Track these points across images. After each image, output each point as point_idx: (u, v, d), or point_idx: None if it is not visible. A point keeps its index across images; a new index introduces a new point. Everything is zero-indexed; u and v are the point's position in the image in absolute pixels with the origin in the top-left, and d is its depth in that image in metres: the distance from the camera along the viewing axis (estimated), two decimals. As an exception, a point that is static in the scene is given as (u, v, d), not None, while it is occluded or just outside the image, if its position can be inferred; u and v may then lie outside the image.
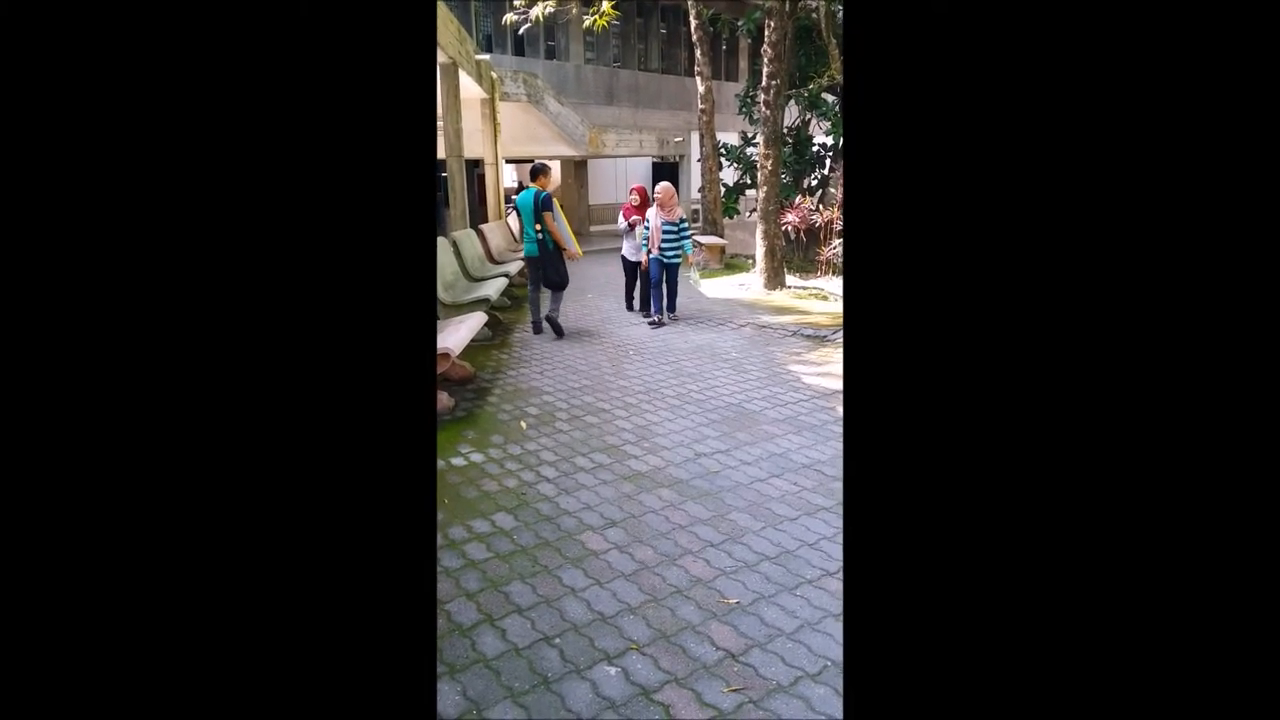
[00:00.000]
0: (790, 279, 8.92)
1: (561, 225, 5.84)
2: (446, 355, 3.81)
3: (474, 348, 5.56)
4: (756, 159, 13.79)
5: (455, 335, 4.13)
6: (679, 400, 4.17)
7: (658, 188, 6.22)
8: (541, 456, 3.34)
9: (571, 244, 5.88)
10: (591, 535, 2.58)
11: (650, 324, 6.35)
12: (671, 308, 6.59)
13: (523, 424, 3.80)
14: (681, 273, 6.73)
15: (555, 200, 6.06)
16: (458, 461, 3.29)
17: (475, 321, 4.59)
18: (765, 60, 8.34)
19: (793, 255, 10.30)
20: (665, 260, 6.25)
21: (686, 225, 6.32)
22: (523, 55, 16.71)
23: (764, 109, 8.46)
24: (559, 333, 6.00)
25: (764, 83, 8.41)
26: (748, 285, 8.84)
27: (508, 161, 17.32)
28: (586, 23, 10.50)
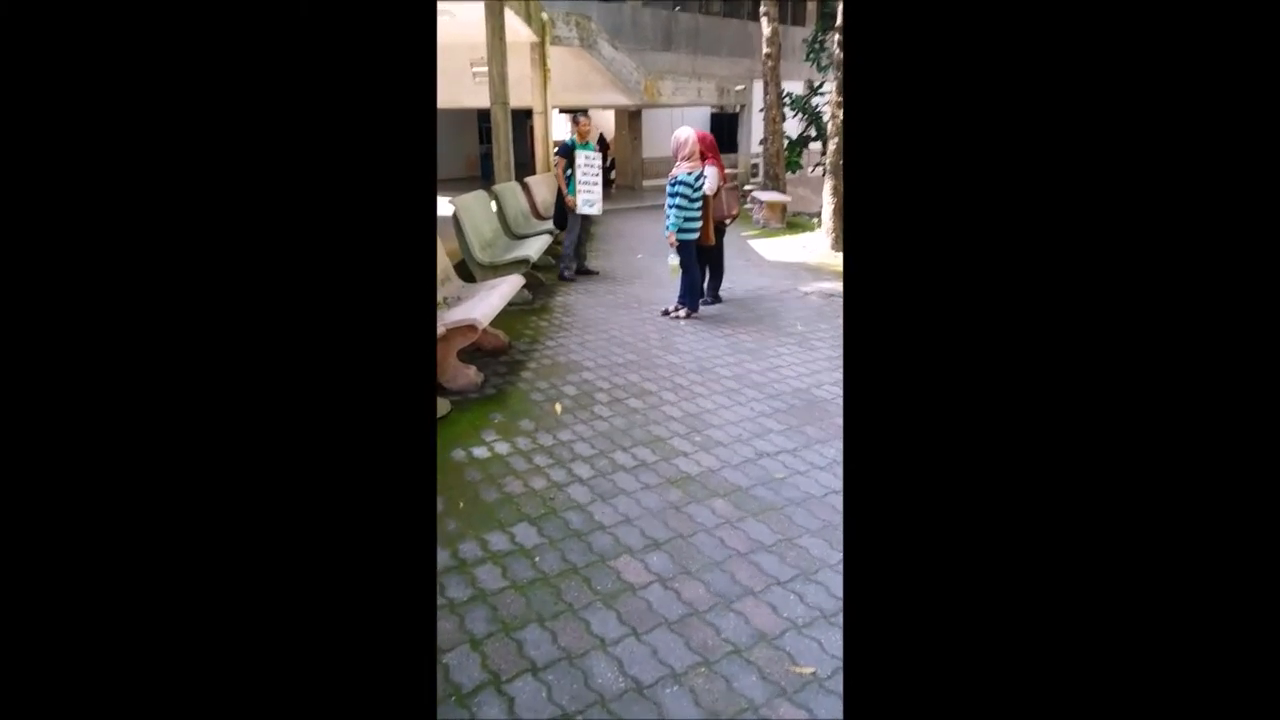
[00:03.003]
0: (858, 241, 8.18)
1: (575, 175, 6.08)
2: (473, 327, 3.36)
3: (511, 312, 5.12)
4: (823, 109, 12.90)
5: (485, 303, 3.67)
6: (736, 383, 3.65)
7: (678, 134, 4.73)
8: (575, 449, 2.88)
9: (570, 193, 6.12)
10: (629, 561, 2.11)
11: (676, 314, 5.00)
12: (699, 294, 5.05)
13: (557, 407, 3.35)
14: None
15: (579, 148, 6.09)
16: (480, 452, 2.86)
17: (509, 287, 4.12)
18: (841, -5, 7.48)
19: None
20: (681, 233, 4.70)
21: (698, 182, 4.71)
22: (576, -3, 15.87)
23: (838, 51, 7.64)
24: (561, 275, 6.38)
25: (838, 22, 7.57)
26: (811, 247, 8.15)
27: (560, 111, 16.70)
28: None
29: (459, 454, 2.85)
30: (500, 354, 4.19)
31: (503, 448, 2.90)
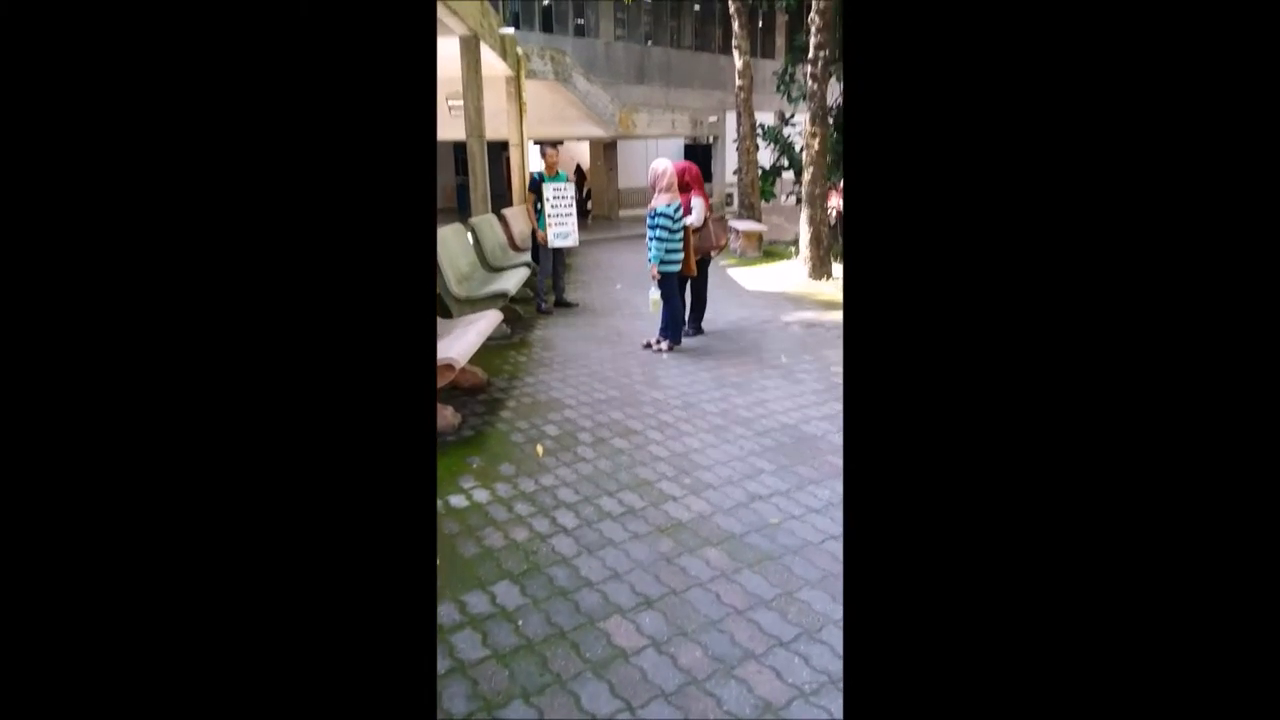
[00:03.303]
0: (836, 268, 8.19)
1: (546, 209, 6.03)
2: (450, 367, 3.22)
3: (489, 347, 4.98)
4: (795, 139, 13.06)
5: (462, 341, 3.53)
6: (723, 419, 3.53)
7: (655, 166, 4.57)
8: (559, 495, 2.74)
9: (541, 228, 6.06)
10: (620, 622, 1.96)
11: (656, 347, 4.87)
12: (680, 325, 4.91)
13: (539, 448, 3.20)
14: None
15: (546, 180, 6.03)
16: (457, 502, 2.70)
17: (487, 323, 3.99)
18: (812, 30, 7.57)
19: (835, 242, 9.54)
20: (663, 265, 4.59)
21: (678, 213, 4.57)
22: (551, 32, 16.02)
23: (810, 83, 7.71)
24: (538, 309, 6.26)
25: (810, 54, 7.65)
26: (790, 275, 8.14)
27: (535, 143, 16.72)
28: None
29: (435, 505, 2.69)
30: (479, 392, 4.04)
31: (482, 495, 2.75)
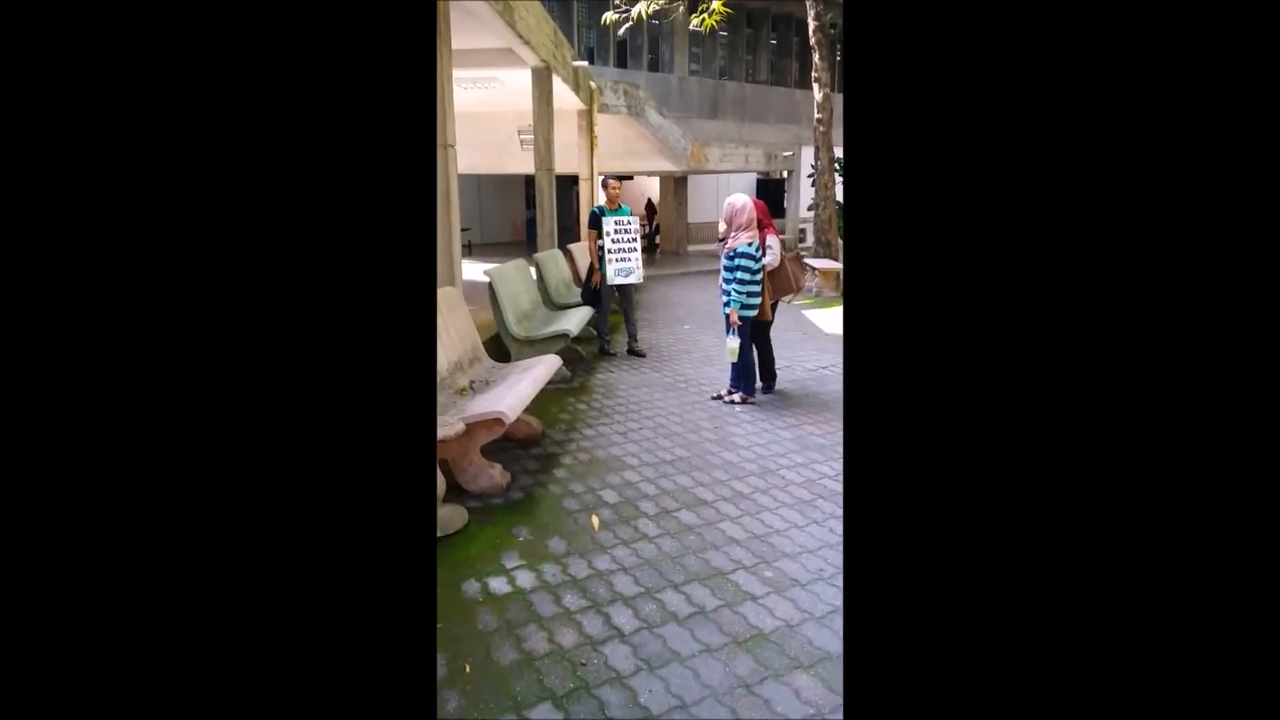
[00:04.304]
0: (923, 312, 7.59)
1: (606, 243, 5.68)
2: (499, 421, 2.88)
3: (548, 391, 4.64)
4: (875, 174, 12.51)
5: (515, 390, 3.20)
6: (808, 491, 3.06)
7: (732, 201, 4.20)
8: (615, 585, 2.32)
9: (600, 266, 5.70)
10: (687, 783, 1.52)
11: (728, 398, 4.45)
12: (753, 378, 4.47)
13: (594, 520, 2.81)
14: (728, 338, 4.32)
15: (608, 214, 5.69)
16: (498, 585, 2.32)
17: (545, 369, 3.66)
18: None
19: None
20: (742, 310, 4.19)
21: (759, 253, 4.17)
22: (625, 67, 16.06)
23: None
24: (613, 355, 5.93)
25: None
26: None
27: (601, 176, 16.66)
28: (694, 22, 9.59)
29: (472, 587, 2.31)
30: (533, 444, 3.69)
31: (526, 579, 2.36)
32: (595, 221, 5.72)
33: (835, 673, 1.87)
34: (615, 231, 5.68)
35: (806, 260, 9.80)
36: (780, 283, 4.35)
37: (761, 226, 4.31)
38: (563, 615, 2.15)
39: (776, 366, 4.69)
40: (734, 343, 4.22)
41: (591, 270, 5.77)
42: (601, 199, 5.91)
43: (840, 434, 3.78)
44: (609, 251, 5.68)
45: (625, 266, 5.72)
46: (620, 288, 5.84)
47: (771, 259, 4.29)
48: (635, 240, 5.79)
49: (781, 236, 4.68)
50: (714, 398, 4.48)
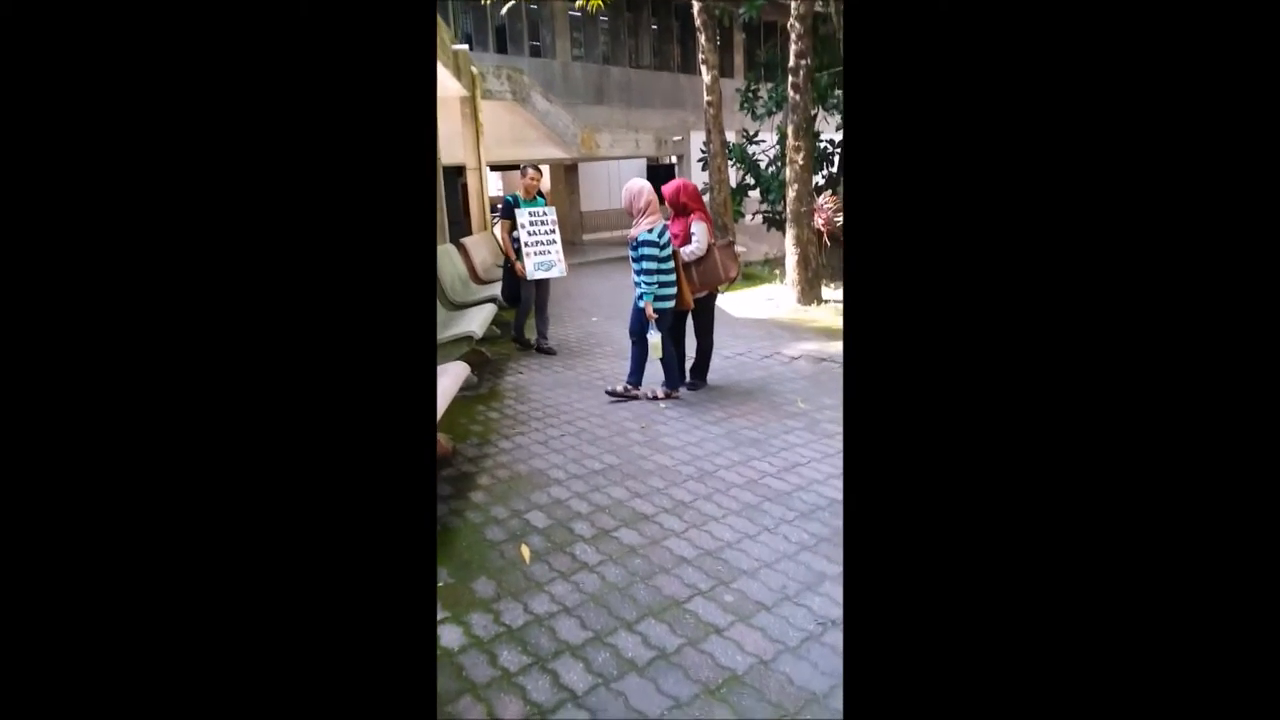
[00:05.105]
0: (826, 291, 7.64)
1: (523, 236, 5.33)
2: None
3: (455, 400, 4.22)
4: (760, 157, 12.64)
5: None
6: (752, 494, 2.85)
7: (630, 186, 3.91)
8: (559, 631, 2.00)
9: (520, 260, 5.35)
10: None
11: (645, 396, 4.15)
12: (682, 375, 4.25)
13: (524, 550, 2.47)
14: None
15: (520, 205, 5.34)
16: (419, 649, 1.95)
17: (452, 381, 3.25)
18: (792, 37, 7.07)
19: (825, 263, 9.02)
20: (657, 302, 3.91)
21: (664, 238, 3.88)
22: (505, 53, 15.41)
23: (793, 94, 7.19)
24: (532, 348, 5.62)
25: (791, 63, 7.14)
26: (778, 300, 7.55)
27: (492, 168, 15.99)
28: (578, 2, 9.21)
29: (387, 655, 1.93)
30: (443, 465, 3.28)
31: (453, 637, 2.00)
32: (509, 211, 5.31)
33: (824, 716, 1.64)
34: (531, 223, 5.32)
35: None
36: (707, 273, 4.06)
37: (686, 211, 4.05)
38: (501, 679, 1.81)
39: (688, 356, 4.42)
40: (655, 337, 3.94)
41: (511, 264, 5.38)
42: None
43: (770, 426, 3.61)
44: (525, 244, 5.30)
45: (546, 260, 5.37)
46: (539, 282, 5.47)
47: (697, 247, 4.02)
48: (554, 231, 5.46)
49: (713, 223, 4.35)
50: (645, 397, 4.17)
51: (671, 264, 3.93)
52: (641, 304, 3.90)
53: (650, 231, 3.81)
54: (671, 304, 3.99)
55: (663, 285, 3.91)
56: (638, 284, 3.89)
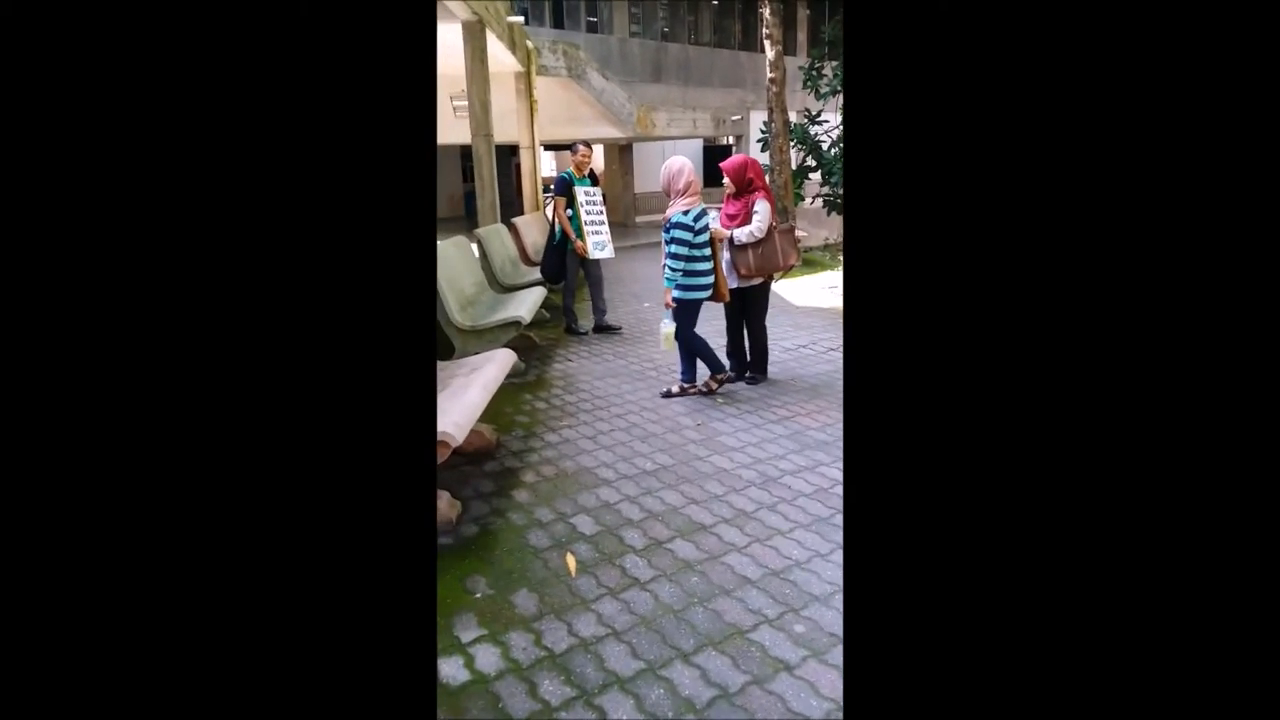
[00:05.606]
0: (892, 280, 7.22)
1: (581, 215, 5.15)
2: (445, 443, 2.29)
3: (501, 387, 4.05)
4: (823, 139, 12.10)
5: (463, 401, 2.60)
6: (821, 503, 2.58)
7: (669, 164, 3.61)
8: (607, 659, 1.79)
9: (579, 238, 5.15)
10: None
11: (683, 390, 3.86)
12: (693, 365, 3.91)
13: (570, 560, 2.26)
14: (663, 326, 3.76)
15: (578, 183, 5.18)
16: (451, 672, 1.76)
17: (497, 369, 3.06)
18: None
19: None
20: (684, 291, 3.68)
21: (699, 222, 3.60)
22: (562, 27, 15.17)
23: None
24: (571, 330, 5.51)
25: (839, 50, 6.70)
26: (840, 288, 7.17)
27: (546, 148, 15.82)
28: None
29: (417, 677, 1.75)
30: (485, 458, 3.11)
31: (489, 660, 1.80)
32: (565, 189, 5.12)
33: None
34: (587, 202, 5.16)
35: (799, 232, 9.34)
36: (766, 258, 3.75)
37: (750, 189, 3.75)
38: (542, 715, 1.61)
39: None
40: (667, 327, 3.65)
41: (567, 241, 5.21)
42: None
43: (839, 427, 3.31)
44: (586, 223, 5.14)
45: (600, 239, 5.23)
46: (585, 263, 5.31)
47: (757, 227, 3.72)
48: (604, 212, 5.33)
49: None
50: (706, 391, 3.89)
51: (707, 251, 3.63)
52: (676, 293, 3.64)
53: (686, 214, 3.53)
54: (703, 295, 3.69)
55: (690, 274, 3.62)
56: (665, 268, 3.63)
